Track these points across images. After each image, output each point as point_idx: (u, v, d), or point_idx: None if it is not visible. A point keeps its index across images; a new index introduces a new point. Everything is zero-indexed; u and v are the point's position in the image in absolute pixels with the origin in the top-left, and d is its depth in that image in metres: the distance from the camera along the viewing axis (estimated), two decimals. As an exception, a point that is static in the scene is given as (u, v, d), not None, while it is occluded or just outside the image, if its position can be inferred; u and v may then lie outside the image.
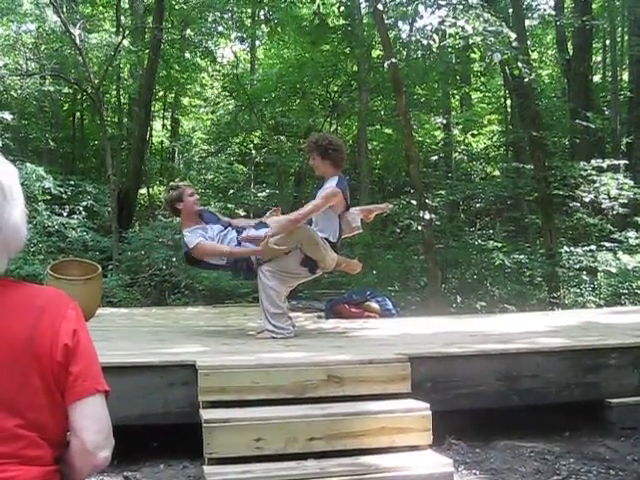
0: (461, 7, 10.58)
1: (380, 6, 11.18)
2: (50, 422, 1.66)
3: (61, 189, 14.24)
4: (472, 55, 15.61)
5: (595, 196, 13.03)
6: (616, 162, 13.92)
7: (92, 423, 1.69)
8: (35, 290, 1.76)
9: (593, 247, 12.89)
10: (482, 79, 19.49)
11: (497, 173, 19.13)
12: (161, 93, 21.48)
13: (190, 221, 6.63)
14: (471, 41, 10.71)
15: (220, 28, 18.27)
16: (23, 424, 1.60)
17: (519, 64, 11.08)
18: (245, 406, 4.31)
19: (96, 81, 15.31)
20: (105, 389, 1.72)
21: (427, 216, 11.26)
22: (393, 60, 10.98)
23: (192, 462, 4.35)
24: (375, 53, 16.99)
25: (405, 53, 15.69)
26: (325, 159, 6.23)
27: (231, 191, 18.51)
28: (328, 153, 6.22)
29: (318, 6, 13.76)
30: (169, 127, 23.72)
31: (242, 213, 18.36)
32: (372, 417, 4.24)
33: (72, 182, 15.03)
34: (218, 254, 6.52)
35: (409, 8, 11.72)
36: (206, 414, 4.15)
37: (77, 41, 14.41)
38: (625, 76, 19.94)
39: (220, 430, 4.01)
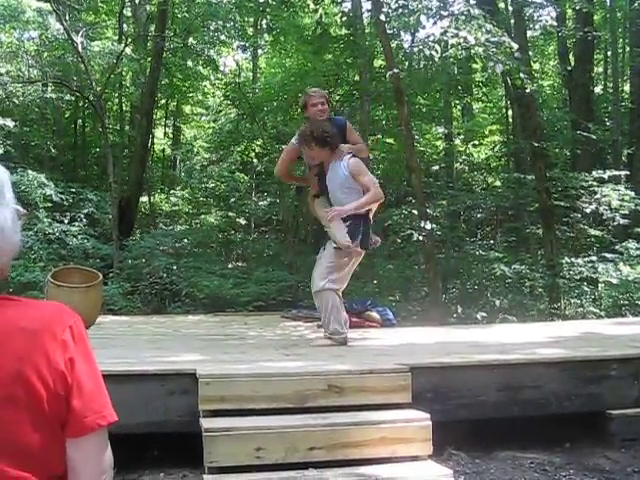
0: (463, 18, 10.60)
1: (382, 16, 11.20)
2: (46, 459, 1.52)
3: (62, 196, 14.22)
4: (474, 66, 15.63)
5: (596, 207, 13.02)
6: (617, 173, 13.92)
7: (91, 462, 1.59)
8: (27, 310, 1.56)
9: (594, 258, 12.88)
10: (484, 89, 19.49)
11: (498, 183, 19.11)
12: (163, 101, 21.47)
13: None
14: (473, 52, 10.71)
15: (222, 37, 18.27)
16: (15, 465, 1.46)
17: (521, 75, 11.10)
18: (246, 415, 4.31)
19: (98, 89, 15.32)
20: (109, 421, 1.58)
21: (428, 226, 11.26)
22: (395, 70, 10.99)
23: (192, 471, 4.34)
24: (377, 63, 17.01)
25: (407, 63, 15.72)
26: (324, 147, 6.44)
27: (232, 200, 18.50)
28: (327, 141, 6.42)
29: (320, 16, 13.75)
30: (171, 135, 23.74)
31: (243, 222, 18.39)
32: (372, 427, 4.23)
33: (73, 189, 15.01)
34: (280, 160, 7.12)
35: (411, 18, 11.72)
36: (206, 423, 4.14)
37: (79, 49, 14.41)
38: (626, 87, 19.95)
39: (220, 439, 4.00)
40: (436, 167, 19.49)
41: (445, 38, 10.49)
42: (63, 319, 1.57)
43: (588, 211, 13.25)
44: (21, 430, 1.48)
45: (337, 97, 17.77)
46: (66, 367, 1.52)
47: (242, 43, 19.32)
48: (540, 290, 13.04)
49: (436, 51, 10.79)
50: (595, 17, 18.08)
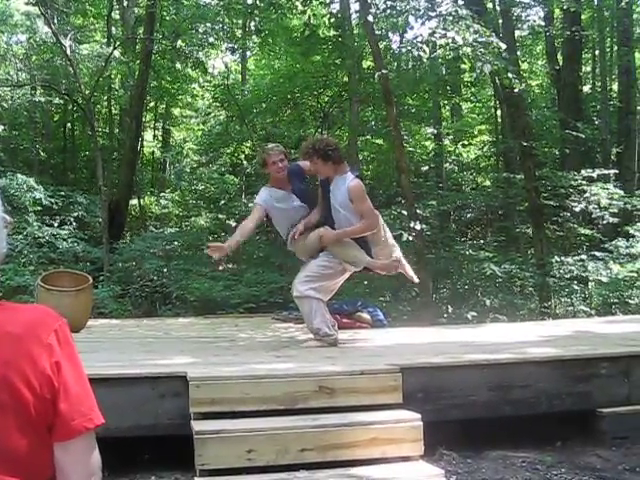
0: (451, 18, 10.62)
1: (370, 17, 11.21)
2: (34, 463, 1.52)
3: (52, 200, 14.21)
4: (462, 66, 15.66)
5: (585, 206, 13.06)
6: (606, 172, 13.97)
7: (79, 465, 1.58)
8: (13, 315, 1.55)
9: (584, 257, 12.92)
10: (472, 90, 19.54)
11: (488, 183, 19.16)
12: (152, 104, 21.45)
13: (275, 183, 6.81)
14: (461, 52, 10.73)
15: (211, 39, 18.25)
16: (3, 471, 1.46)
17: (509, 75, 11.12)
18: (236, 417, 4.30)
19: (87, 92, 15.30)
20: (96, 424, 1.58)
21: (418, 226, 11.26)
22: (384, 71, 11.00)
23: (183, 474, 4.33)
24: (366, 64, 17.01)
25: (396, 64, 15.73)
26: (327, 161, 6.29)
27: (222, 202, 18.48)
28: (329, 155, 6.28)
29: (309, 17, 13.76)
30: (160, 138, 23.69)
31: (233, 224, 18.37)
32: (363, 428, 4.23)
33: (63, 193, 14.99)
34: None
35: (399, 19, 11.74)
36: (197, 425, 4.14)
37: (68, 52, 14.41)
38: (614, 86, 20.00)
39: (211, 442, 4.00)
40: (425, 167, 19.51)
41: (433, 39, 10.52)
42: (48, 323, 1.56)
43: (577, 210, 13.29)
44: (8, 435, 1.47)
45: (326, 98, 17.80)
46: (52, 371, 1.51)
47: (231, 45, 19.27)
48: (530, 289, 13.07)
49: (424, 52, 10.82)
50: (583, 16, 18.12)
